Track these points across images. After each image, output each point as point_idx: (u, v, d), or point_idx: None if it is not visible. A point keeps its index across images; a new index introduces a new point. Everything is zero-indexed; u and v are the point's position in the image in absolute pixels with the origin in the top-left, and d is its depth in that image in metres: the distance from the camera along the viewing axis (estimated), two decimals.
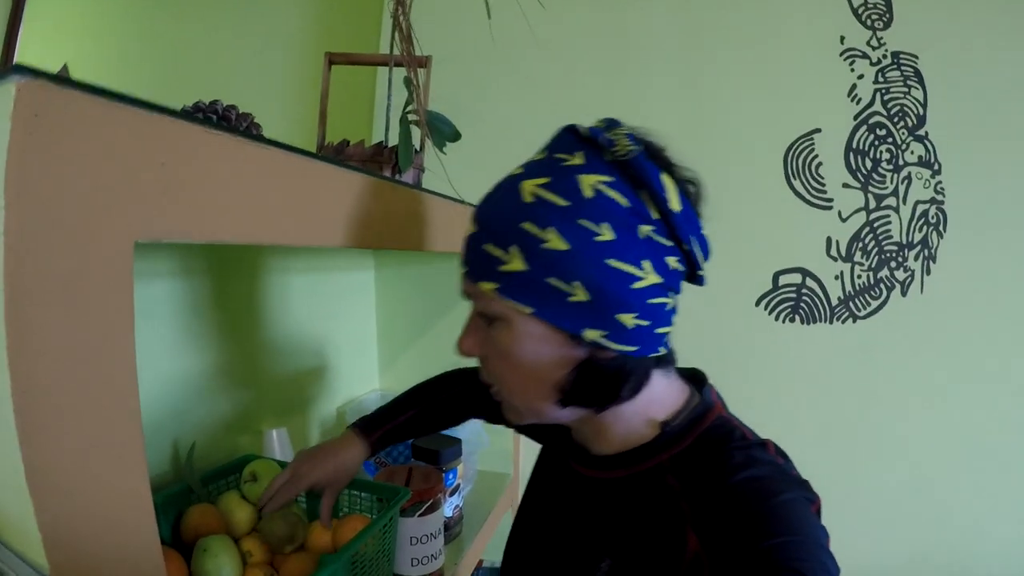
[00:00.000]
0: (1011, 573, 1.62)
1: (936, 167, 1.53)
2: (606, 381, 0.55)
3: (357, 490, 0.94)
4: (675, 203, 0.51)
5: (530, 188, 0.52)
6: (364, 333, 1.47)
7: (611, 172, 0.51)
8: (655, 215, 0.52)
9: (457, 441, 1.19)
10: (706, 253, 0.56)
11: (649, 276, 0.51)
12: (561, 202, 0.50)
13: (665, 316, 0.55)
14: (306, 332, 1.28)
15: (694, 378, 0.64)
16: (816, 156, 1.52)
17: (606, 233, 0.50)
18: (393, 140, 1.03)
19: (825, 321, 1.54)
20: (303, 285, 1.26)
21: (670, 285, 0.54)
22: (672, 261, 0.53)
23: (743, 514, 0.47)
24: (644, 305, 0.52)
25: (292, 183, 0.55)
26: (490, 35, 1.43)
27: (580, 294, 0.50)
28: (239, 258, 1.06)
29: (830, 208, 1.52)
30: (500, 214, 0.54)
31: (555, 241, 0.50)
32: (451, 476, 1.14)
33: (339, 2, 1.55)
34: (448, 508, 1.14)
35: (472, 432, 1.33)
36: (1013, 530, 1.60)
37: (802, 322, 1.55)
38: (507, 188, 0.55)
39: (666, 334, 0.57)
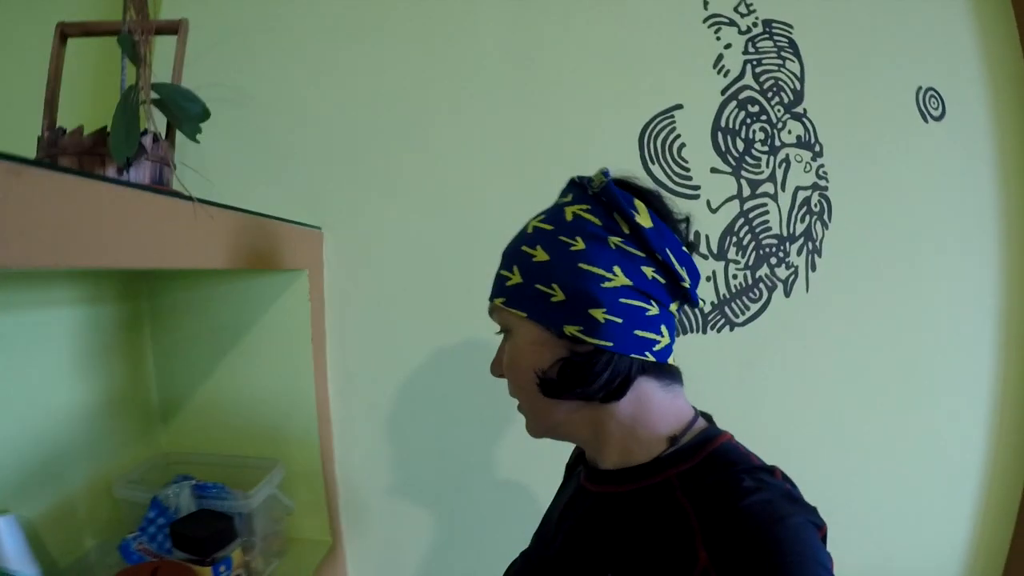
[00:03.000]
0: None
1: (817, 148, 1.45)
2: (581, 372, 0.66)
3: None
4: (645, 220, 0.66)
5: (532, 224, 0.73)
6: (136, 380, 1.26)
7: (590, 202, 0.69)
8: (626, 230, 0.67)
9: (228, 520, 1.02)
10: (691, 271, 0.69)
11: (618, 278, 0.65)
12: (548, 227, 0.70)
13: (644, 320, 0.66)
14: (62, 385, 1.08)
15: (705, 417, 0.75)
16: (678, 136, 1.40)
17: (579, 243, 0.67)
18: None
19: (698, 331, 1.44)
20: (58, 320, 1.08)
21: (647, 291, 0.67)
22: (648, 271, 0.67)
23: (754, 535, 0.53)
24: (615, 303, 0.65)
25: None
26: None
27: (559, 294, 0.66)
28: None
29: (697, 197, 1.42)
30: (510, 246, 0.74)
31: (540, 254, 0.68)
32: (224, 567, 0.99)
33: None
34: None
35: (267, 495, 1.20)
36: (912, 535, 1.60)
37: None
38: (520, 230, 0.75)
39: (654, 341, 0.67)
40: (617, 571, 0.62)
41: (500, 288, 0.73)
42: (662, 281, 0.68)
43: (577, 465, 0.89)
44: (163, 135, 0.93)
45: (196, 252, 0.84)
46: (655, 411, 0.69)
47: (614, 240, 0.67)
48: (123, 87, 0.89)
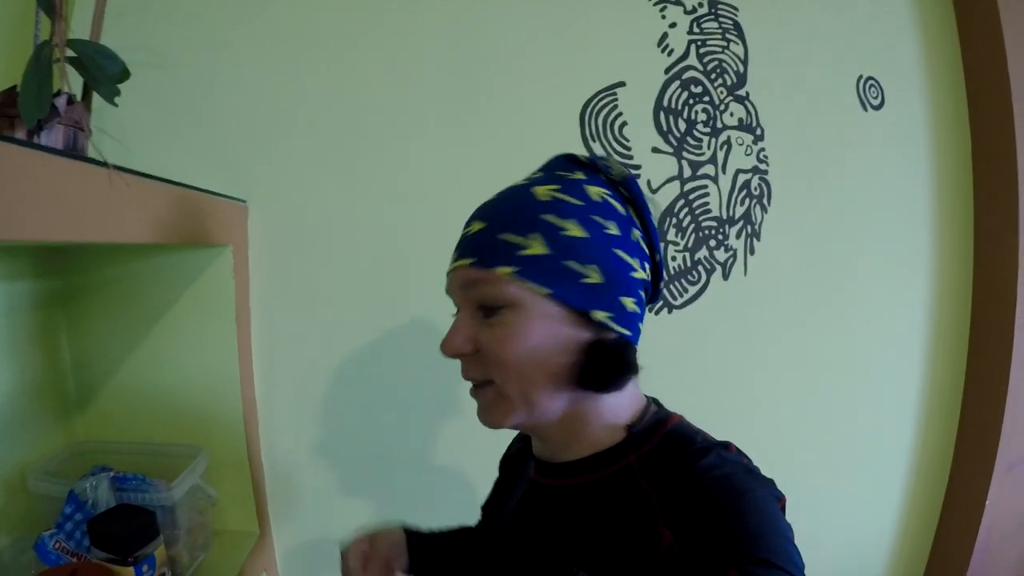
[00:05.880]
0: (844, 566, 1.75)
1: (758, 132, 1.51)
2: (614, 361, 0.66)
3: None
4: (655, 219, 0.70)
5: (544, 191, 0.67)
6: (50, 364, 1.20)
7: (608, 187, 0.69)
8: (640, 226, 0.69)
9: (150, 516, 0.98)
10: (663, 272, 0.73)
11: (639, 272, 0.68)
12: (576, 202, 0.66)
13: (641, 314, 0.70)
14: None
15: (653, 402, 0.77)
16: (620, 114, 1.42)
17: (613, 229, 0.66)
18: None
19: None
20: None
21: (647, 288, 0.70)
22: (648, 267, 0.70)
23: (716, 510, 0.55)
24: (638, 294, 0.68)
25: None
26: None
27: (594, 276, 0.64)
28: None
29: (638, 176, 1.44)
30: (516, 209, 0.67)
31: (575, 230, 0.64)
32: (147, 566, 0.96)
33: None
34: None
35: (190, 486, 1.17)
36: (847, 518, 1.72)
37: None
38: (516, 192, 0.70)
39: (639, 333, 0.70)
40: (585, 564, 0.62)
41: (505, 255, 0.65)
42: (648, 278, 0.71)
43: (515, 460, 0.90)
44: (79, 97, 0.89)
45: (112, 225, 0.80)
46: (625, 400, 0.71)
47: (636, 234, 0.68)
48: (36, 42, 0.86)
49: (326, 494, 1.41)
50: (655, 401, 0.76)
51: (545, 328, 0.65)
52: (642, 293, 0.69)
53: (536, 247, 0.64)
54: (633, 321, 0.68)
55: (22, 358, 1.14)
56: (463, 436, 1.42)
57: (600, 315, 0.65)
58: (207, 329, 1.23)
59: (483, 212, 0.71)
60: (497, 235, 0.66)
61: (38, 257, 1.16)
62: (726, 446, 0.65)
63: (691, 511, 0.56)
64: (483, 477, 0.94)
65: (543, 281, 0.64)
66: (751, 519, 0.54)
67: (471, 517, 0.94)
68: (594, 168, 0.71)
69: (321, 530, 1.43)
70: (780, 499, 0.60)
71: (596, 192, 0.68)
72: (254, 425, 1.33)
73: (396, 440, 1.42)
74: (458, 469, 1.45)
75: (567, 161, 0.74)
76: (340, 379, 1.39)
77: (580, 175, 0.70)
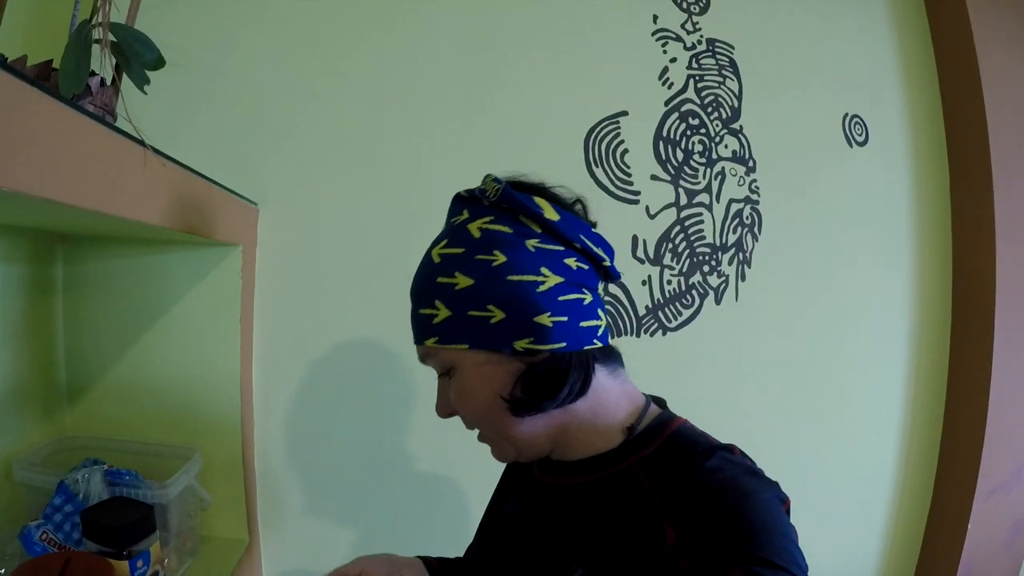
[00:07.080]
0: None
1: (751, 164, 1.57)
2: (548, 380, 0.67)
3: None
4: (551, 214, 0.68)
5: (436, 252, 0.71)
6: (41, 353, 1.17)
7: (491, 212, 0.70)
8: (538, 229, 0.68)
9: (147, 510, 0.95)
10: (605, 248, 0.71)
11: (550, 278, 0.67)
12: (458, 250, 0.69)
13: (584, 310, 0.68)
14: None
15: (657, 401, 0.77)
16: (622, 142, 1.47)
17: (499, 257, 0.67)
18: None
19: (631, 334, 1.50)
20: None
21: (578, 281, 0.69)
22: (571, 261, 0.69)
23: (720, 510, 0.56)
24: (556, 303, 0.66)
25: None
26: None
27: (497, 313, 0.66)
28: None
29: (637, 202, 1.49)
30: (421, 281, 0.72)
31: (462, 280, 0.67)
32: (141, 562, 0.93)
33: None
34: None
35: (184, 486, 1.15)
36: (832, 543, 1.73)
37: None
38: (422, 263, 0.74)
39: (596, 327, 0.69)
40: (584, 562, 0.63)
41: (426, 328, 0.71)
42: (586, 267, 0.70)
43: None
44: (108, 81, 0.90)
45: (141, 205, 0.81)
46: (610, 400, 0.71)
47: (531, 243, 0.68)
48: (74, 21, 0.87)
49: (318, 505, 1.39)
50: (658, 401, 0.77)
51: (482, 376, 0.69)
52: (571, 296, 0.68)
53: (442, 311, 0.69)
54: (563, 331, 0.67)
55: (12, 344, 1.10)
56: (460, 451, 1.41)
57: (521, 344, 0.66)
58: (210, 329, 1.22)
59: (410, 290, 0.75)
60: (418, 311, 0.72)
61: (38, 240, 1.14)
62: (730, 449, 0.66)
63: (696, 511, 0.57)
64: (479, 490, 0.93)
65: (459, 339, 0.68)
66: (755, 520, 0.55)
67: (465, 528, 0.93)
68: (476, 199, 0.72)
69: (311, 542, 1.40)
70: (784, 501, 0.61)
71: (477, 227, 0.69)
72: (250, 430, 1.31)
73: (393, 452, 1.41)
74: (454, 483, 1.44)
75: (456, 204, 0.76)
76: (340, 389, 1.39)
77: (466, 214, 0.72)
